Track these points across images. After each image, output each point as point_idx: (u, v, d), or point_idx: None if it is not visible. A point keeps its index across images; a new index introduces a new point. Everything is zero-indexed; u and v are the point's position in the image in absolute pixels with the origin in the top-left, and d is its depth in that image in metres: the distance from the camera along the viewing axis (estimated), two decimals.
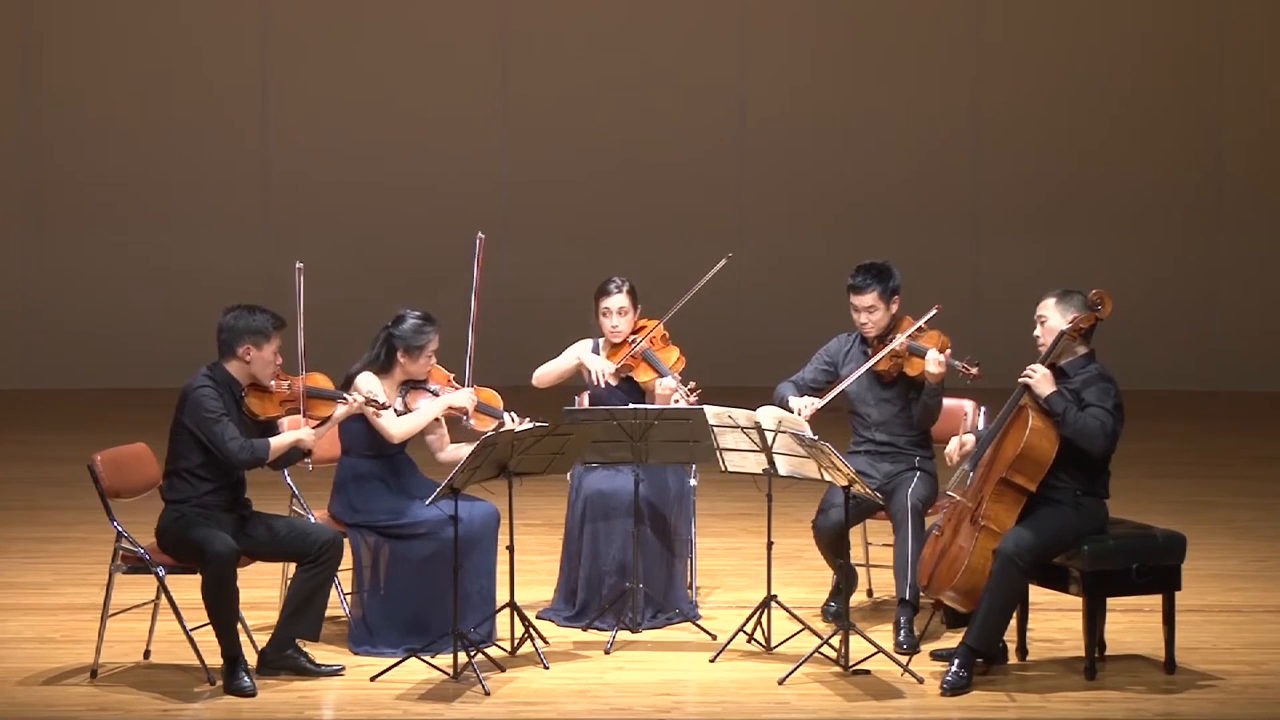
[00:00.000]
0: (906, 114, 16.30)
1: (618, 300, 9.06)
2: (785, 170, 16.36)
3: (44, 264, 16.28)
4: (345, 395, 8.27)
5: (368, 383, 8.45)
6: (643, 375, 9.05)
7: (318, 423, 8.15)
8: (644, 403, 8.95)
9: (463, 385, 8.67)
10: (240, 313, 8.08)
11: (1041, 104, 16.28)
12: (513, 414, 8.58)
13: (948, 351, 8.62)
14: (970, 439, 8.26)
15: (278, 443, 8.03)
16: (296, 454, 8.21)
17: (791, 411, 8.54)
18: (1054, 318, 8.06)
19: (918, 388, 8.72)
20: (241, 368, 8.05)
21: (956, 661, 7.88)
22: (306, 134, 16.29)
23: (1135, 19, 16.26)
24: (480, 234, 8.76)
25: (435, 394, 8.60)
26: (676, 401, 8.85)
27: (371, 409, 8.31)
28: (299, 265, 8.29)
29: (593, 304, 9.12)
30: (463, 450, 8.48)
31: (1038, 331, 8.11)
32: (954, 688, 7.83)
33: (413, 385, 8.60)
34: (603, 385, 9.02)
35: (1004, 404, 8.07)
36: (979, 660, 7.96)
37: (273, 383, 8.09)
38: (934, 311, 8.70)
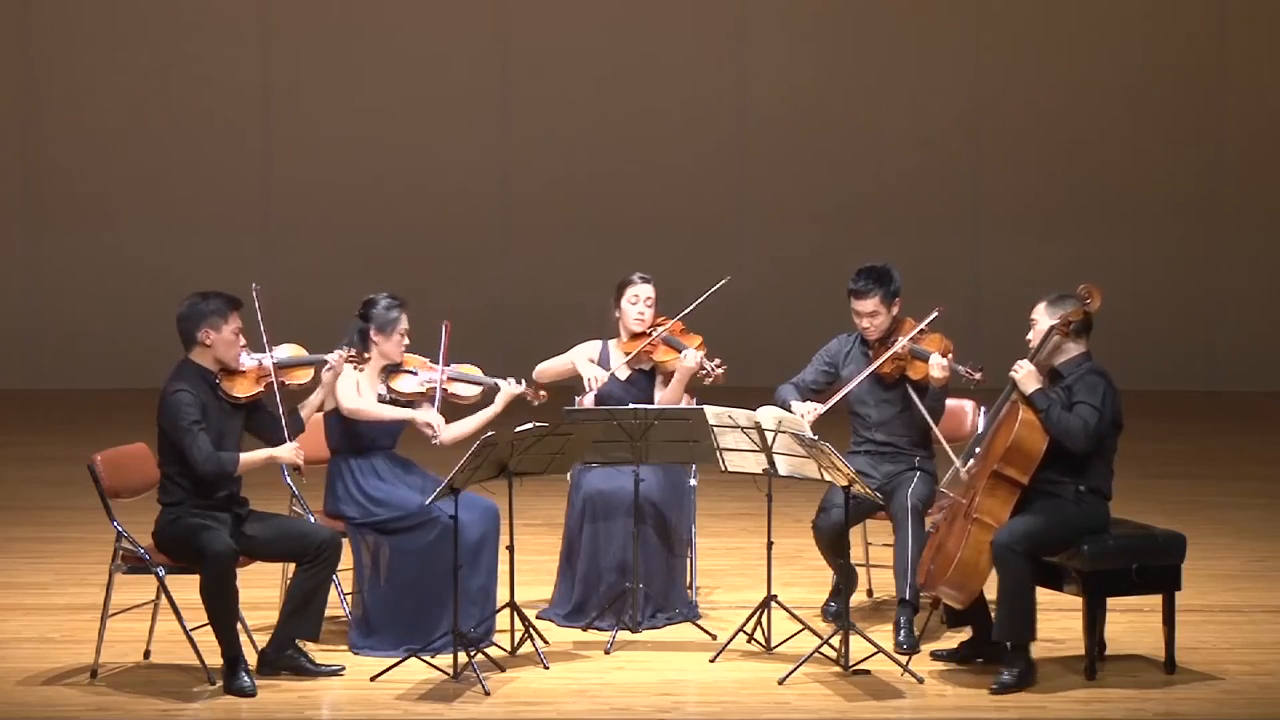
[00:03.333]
0: (906, 113, 16.31)
1: (647, 289, 9.09)
2: (785, 170, 16.36)
3: (44, 264, 16.29)
4: (323, 357, 8.25)
5: (342, 383, 8.46)
6: (663, 356, 9.05)
7: (298, 446, 8.06)
8: (654, 398, 8.98)
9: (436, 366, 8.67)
10: (194, 300, 8.09)
11: (1040, 102, 16.29)
12: (510, 379, 8.65)
13: (950, 355, 8.61)
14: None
15: (248, 458, 7.97)
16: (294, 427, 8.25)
17: (796, 413, 8.53)
18: (1044, 321, 8.06)
19: (920, 390, 8.71)
20: (206, 353, 8.04)
21: (1001, 663, 7.88)
22: (307, 134, 16.29)
23: (1134, 16, 16.25)
24: (446, 322, 8.65)
25: (413, 374, 8.60)
26: (703, 373, 8.84)
27: (354, 364, 8.30)
28: (255, 287, 8.23)
29: (614, 295, 9.11)
30: (463, 427, 8.55)
31: (1030, 335, 8.11)
32: (1004, 688, 7.83)
33: (393, 369, 8.60)
34: (594, 389, 9.03)
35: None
36: (1008, 650, 7.94)
37: (243, 361, 8.07)
38: (935, 314, 8.69)
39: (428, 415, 8.52)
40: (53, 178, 16.24)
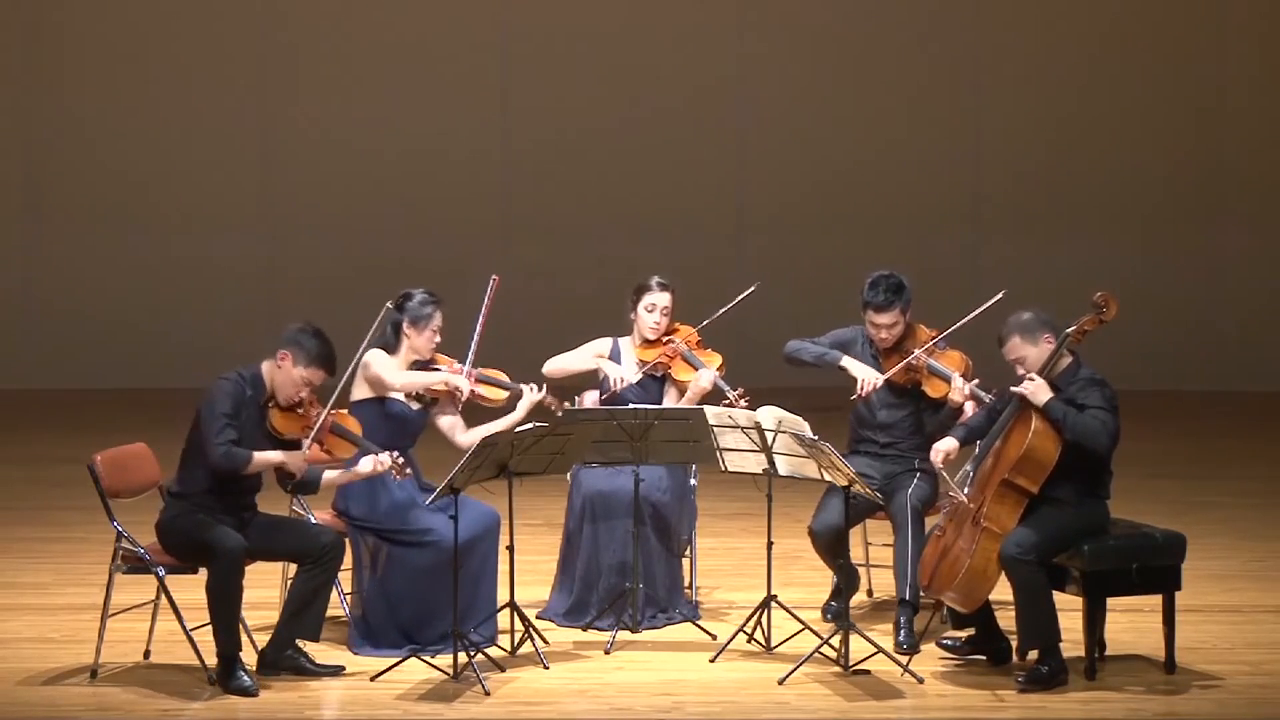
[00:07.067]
0: (905, 113, 16.30)
1: (664, 298, 9.07)
2: (785, 170, 16.36)
3: (44, 263, 16.28)
4: (373, 446, 8.17)
5: (377, 359, 8.44)
6: (680, 373, 9.04)
7: (320, 454, 7.99)
8: (664, 403, 8.97)
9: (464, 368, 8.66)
10: (307, 329, 8.00)
11: (1042, 101, 16.29)
12: (532, 385, 8.63)
13: (975, 381, 8.57)
14: (953, 444, 8.23)
15: (261, 457, 7.89)
16: (309, 484, 8.19)
17: (855, 378, 8.60)
18: (1030, 352, 8.00)
19: (932, 403, 8.69)
20: (273, 371, 7.98)
21: (1038, 659, 7.91)
22: (308, 132, 16.29)
23: (1134, 16, 16.25)
24: (494, 276, 8.75)
25: (440, 371, 8.61)
26: (726, 402, 8.80)
27: (394, 470, 8.18)
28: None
29: (631, 297, 9.10)
30: (483, 432, 8.50)
31: (1021, 371, 8.04)
32: (1034, 682, 7.84)
33: (419, 366, 8.58)
34: (619, 389, 9.01)
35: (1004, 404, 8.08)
36: (1037, 651, 7.95)
37: (300, 404, 8.01)
38: (997, 297, 8.69)
39: (457, 380, 8.50)
40: (52, 178, 16.23)
